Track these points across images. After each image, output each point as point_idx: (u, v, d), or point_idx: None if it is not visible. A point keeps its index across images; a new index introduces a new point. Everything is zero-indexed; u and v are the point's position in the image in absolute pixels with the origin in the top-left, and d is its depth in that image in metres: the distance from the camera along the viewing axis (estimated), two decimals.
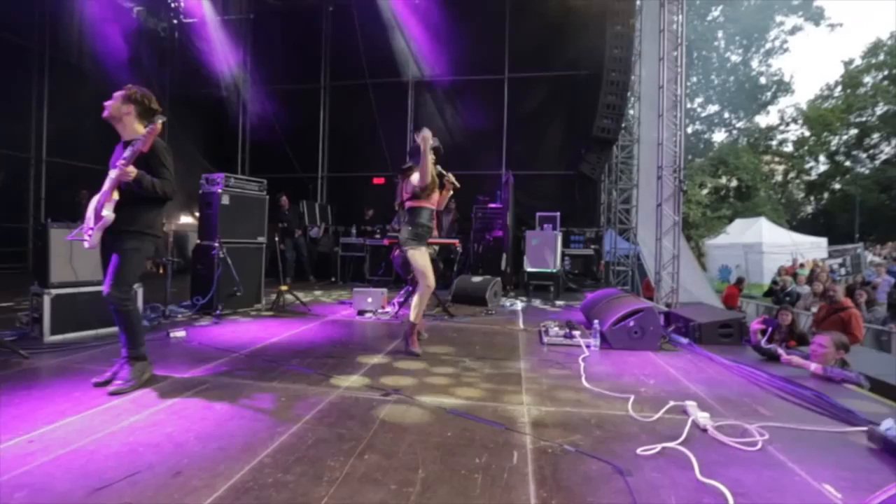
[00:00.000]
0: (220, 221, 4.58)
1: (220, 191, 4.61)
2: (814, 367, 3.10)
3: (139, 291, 3.88)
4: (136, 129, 2.51)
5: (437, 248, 5.37)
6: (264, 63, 10.00)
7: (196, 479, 1.57)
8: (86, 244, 2.48)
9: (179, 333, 3.65)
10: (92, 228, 2.44)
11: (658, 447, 1.87)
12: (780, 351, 3.38)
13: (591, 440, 1.96)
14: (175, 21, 10.69)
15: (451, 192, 3.59)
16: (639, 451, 1.84)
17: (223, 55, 10.02)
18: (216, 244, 4.53)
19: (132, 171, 2.34)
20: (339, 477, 1.60)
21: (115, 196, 2.39)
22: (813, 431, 2.13)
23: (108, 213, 2.38)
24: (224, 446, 1.81)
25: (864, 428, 2.09)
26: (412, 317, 3.37)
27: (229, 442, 1.85)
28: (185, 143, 9.54)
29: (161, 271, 8.54)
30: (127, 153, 2.38)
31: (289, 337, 3.80)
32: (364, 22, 9.43)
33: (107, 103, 2.50)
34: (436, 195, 3.48)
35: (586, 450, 1.85)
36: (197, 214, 9.09)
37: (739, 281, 11.60)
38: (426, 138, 3.19)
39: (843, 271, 14.25)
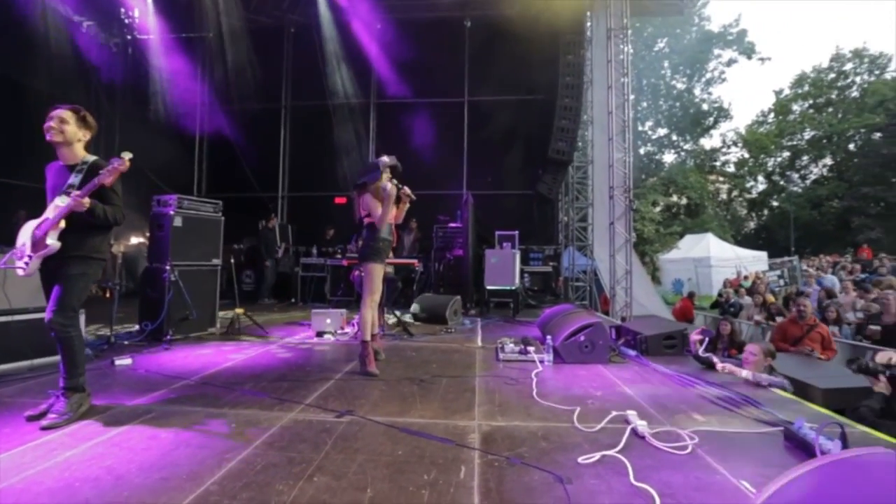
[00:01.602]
0: (172, 243, 4.46)
1: (172, 212, 4.50)
2: (745, 373, 3.36)
3: (82, 317, 3.72)
4: (81, 154, 2.45)
5: (393, 267, 5.45)
6: (223, 82, 9.88)
7: None
8: (20, 272, 2.38)
9: (125, 361, 3.50)
10: (30, 256, 2.35)
11: (598, 455, 1.98)
12: (716, 359, 3.63)
13: (537, 452, 2.05)
14: (129, 37, 10.43)
15: (408, 205, 3.66)
16: (580, 459, 1.95)
17: (179, 73, 9.83)
18: (167, 267, 4.39)
19: (88, 202, 2.29)
20: (286, 501, 1.61)
21: (62, 224, 2.33)
22: (738, 433, 2.32)
23: (52, 241, 2.31)
24: (168, 476, 1.77)
25: (781, 427, 2.30)
26: (362, 334, 3.41)
27: (174, 471, 1.81)
28: (137, 162, 9.17)
29: (107, 295, 8.11)
30: (74, 180, 2.32)
31: (243, 361, 3.72)
32: (325, 44, 9.58)
33: (62, 126, 2.35)
34: (394, 210, 3.56)
35: (531, 461, 1.94)
36: (143, 236, 8.80)
37: (691, 295, 12.23)
38: (391, 194, 3.39)
39: (781, 282, 15.31)
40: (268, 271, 7.98)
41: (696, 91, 27.01)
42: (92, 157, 2.46)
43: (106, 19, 10.05)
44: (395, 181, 3.52)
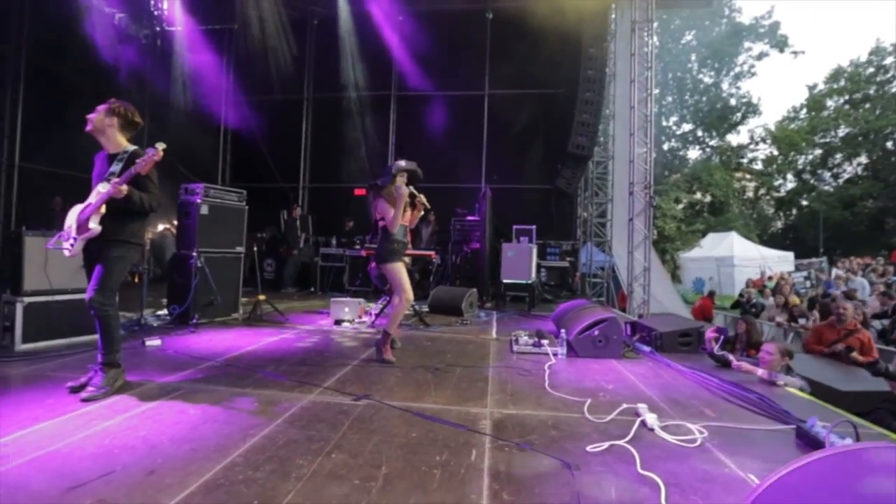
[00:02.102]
0: (199, 231, 4.63)
1: (199, 201, 4.66)
2: (760, 372, 3.33)
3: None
4: (119, 141, 2.60)
5: (410, 259, 5.54)
6: (248, 73, 10.09)
7: (169, 478, 1.65)
8: (66, 253, 2.56)
9: (155, 342, 3.69)
10: (75, 238, 2.52)
11: (606, 445, 2.03)
12: (732, 357, 3.61)
13: (546, 439, 2.11)
14: (158, 29, 10.70)
15: (423, 213, 3.78)
16: (588, 448, 2.00)
17: (205, 65, 10.07)
18: (194, 253, 4.57)
19: (125, 189, 2.43)
20: (306, 474, 1.71)
21: (103, 209, 2.48)
22: (749, 430, 2.33)
23: (94, 225, 2.47)
24: (197, 447, 1.90)
25: (794, 426, 2.30)
26: (389, 327, 3.50)
27: (202, 443, 1.93)
28: (168, 152, 9.48)
29: (136, 280, 8.46)
30: (115, 168, 2.47)
31: (264, 346, 3.86)
32: (346, 36, 9.68)
33: (89, 116, 2.58)
34: (407, 214, 3.66)
35: (540, 448, 2.00)
36: (175, 223, 9.12)
37: (711, 294, 12.03)
38: (403, 195, 3.45)
39: (808, 284, 14.88)
40: (290, 261, 8.18)
41: (724, 85, 26.23)
42: (133, 147, 2.60)
43: (136, 11, 10.30)
44: (411, 188, 3.58)
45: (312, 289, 8.11)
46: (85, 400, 2.36)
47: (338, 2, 9.60)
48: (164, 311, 4.69)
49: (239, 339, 4.08)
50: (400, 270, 3.52)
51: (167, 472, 1.70)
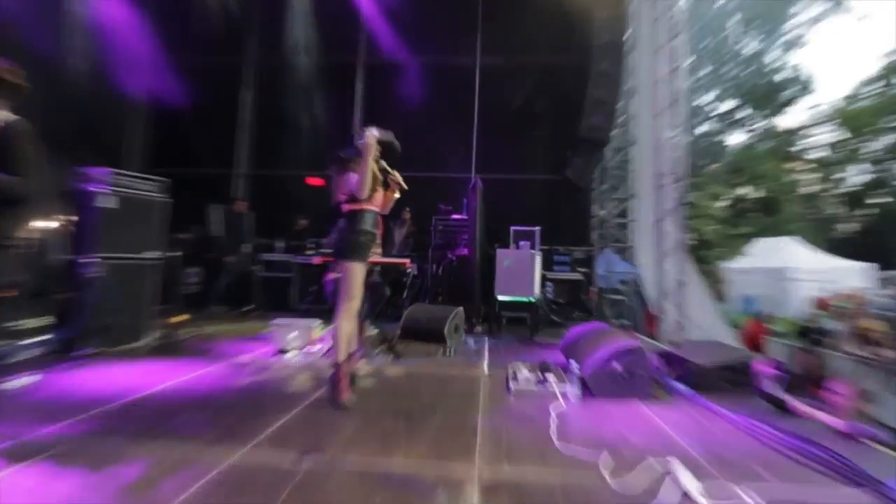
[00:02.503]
0: (99, 230, 4.55)
1: (102, 191, 4.59)
2: (835, 421, 3.31)
3: None
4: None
5: (378, 267, 5.46)
6: (168, 29, 9.91)
7: None
8: None
9: (27, 379, 3.55)
10: None
11: None
12: (793, 400, 3.59)
13: None
14: None
15: (398, 195, 3.72)
16: None
17: (114, 15, 9.88)
18: (90, 260, 4.47)
19: None
20: None
21: None
22: (819, 496, 2.30)
23: None
24: None
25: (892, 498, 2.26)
26: (337, 355, 3.39)
27: None
28: (53, 125, 9.27)
29: (6, 294, 8.14)
30: None
31: (181, 384, 3.76)
32: None
33: None
34: (379, 196, 3.61)
35: None
36: (66, 218, 8.86)
37: (763, 316, 12.12)
38: (370, 144, 3.41)
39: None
40: (225, 270, 7.98)
41: (773, 55, 26.82)
42: (12, 118, 2.49)
43: None
44: (383, 163, 3.56)
45: (249, 307, 7.96)
46: None
47: None
48: (44, 338, 4.50)
49: (146, 374, 3.95)
50: (358, 274, 3.45)
51: None
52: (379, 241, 3.76)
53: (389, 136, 3.55)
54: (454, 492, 2.18)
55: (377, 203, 3.60)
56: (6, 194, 2.41)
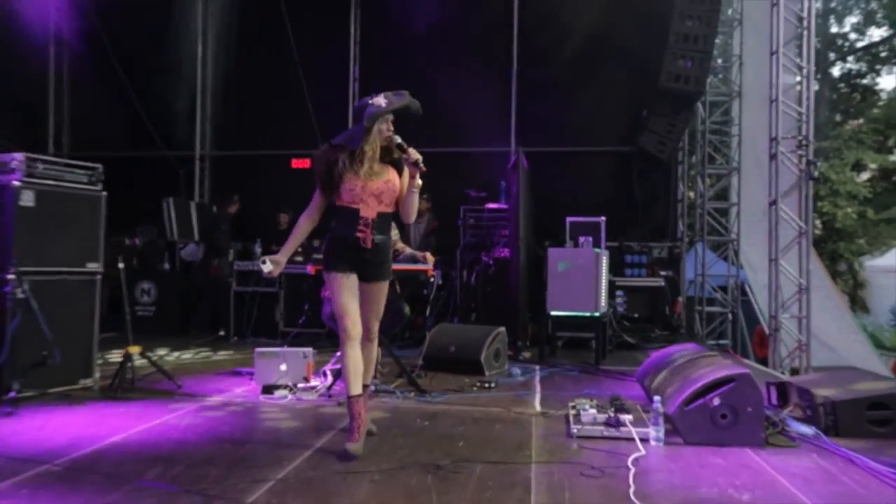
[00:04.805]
0: (20, 235, 4.65)
1: (16, 183, 4.67)
2: None
3: None
4: None
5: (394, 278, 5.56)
6: None
7: None
8: None
9: None
10: None
11: None
12: None
13: None
14: None
15: (420, 183, 3.57)
16: None
17: None
18: (10, 276, 4.57)
19: None
20: None
21: None
22: None
23: None
24: None
25: None
26: (347, 387, 3.48)
27: None
28: None
29: None
30: None
31: (141, 434, 3.87)
32: None
33: None
34: (368, 185, 3.53)
35: None
36: None
37: None
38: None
39: None
40: (213, 285, 8.28)
41: None
42: None
43: None
44: (398, 137, 3.49)
45: (222, 332, 8.17)
46: None
47: None
48: None
49: (96, 423, 4.09)
50: (334, 288, 3.54)
51: None
52: (391, 256, 3.72)
53: (402, 100, 3.52)
54: None
55: (365, 196, 3.48)
56: None
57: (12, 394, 4.46)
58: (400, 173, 3.59)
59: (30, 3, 9.83)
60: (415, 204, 3.63)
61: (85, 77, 10.57)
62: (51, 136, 10.74)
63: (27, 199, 4.74)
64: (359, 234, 3.44)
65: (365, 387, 3.59)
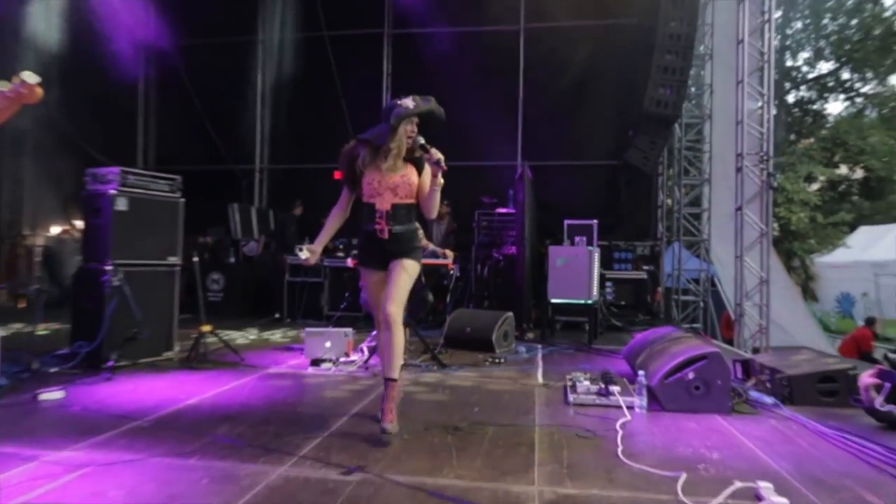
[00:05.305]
0: (115, 235, 4.77)
1: (113, 192, 4.79)
2: None
3: None
4: None
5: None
6: (178, 8, 10.28)
7: None
8: None
9: (55, 394, 3.80)
10: None
11: None
12: None
13: None
14: None
15: (442, 182, 3.26)
16: None
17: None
18: (108, 267, 4.70)
19: None
20: None
21: None
22: None
23: None
24: None
25: None
26: (388, 371, 3.26)
27: None
28: (60, 122, 9.88)
29: (20, 304, 8.68)
30: None
31: (212, 397, 3.96)
32: None
33: None
34: (385, 180, 3.27)
35: None
36: (78, 223, 9.36)
37: (871, 321, 11.65)
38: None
39: None
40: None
41: (888, 0, 25.49)
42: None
43: None
44: (421, 138, 3.23)
45: (277, 315, 8.24)
46: None
47: None
48: (68, 350, 4.81)
49: (176, 387, 4.19)
50: (364, 280, 3.42)
51: None
52: (416, 243, 3.36)
53: (428, 104, 3.28)
54: None
55: (382, 190, 3.22)
56: None
57: (110, 363, 4.61)
58: (419, 171, 3.30)
59: (125, 46, 10.18)
60: (436, 201, 3.28)
61: (167, 105, 10.83)
62: (139, 153, 10.92)
63: (121, 204, 4.86)
64: (376, 227, 3.19)
65: (390, 381, 3.23)
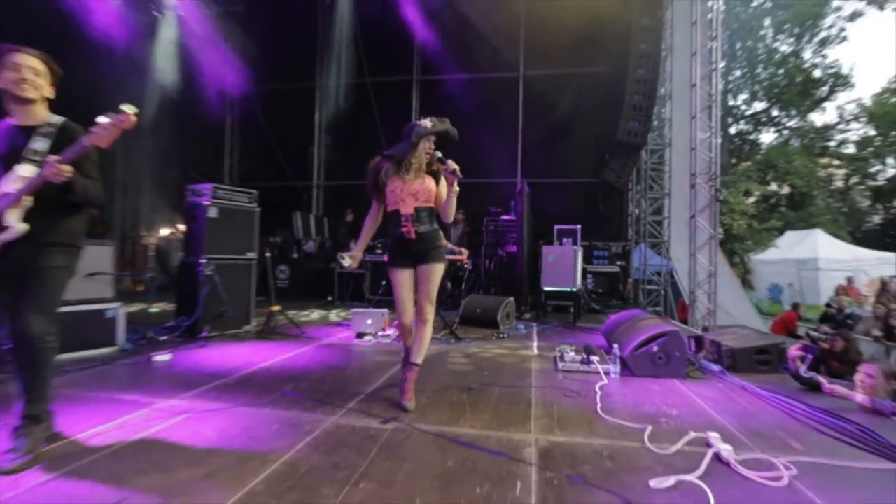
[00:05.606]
0: (208, 236, 4.82)
1: (206, 202, 4.85)
2: (860, 398, 3.18)
3: (121, 313, 4.15)
4: (44, 113, 2.18)
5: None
6: (253, 60, 10.37)
7: None
8: None
9: (164, 357, 3.88)
10: None
11: (672, 480, 1.99)
12: (823, 380, 3.46)
13: (601, 472, 2.09)
14: (157, 15, 11.14)
15: (457, 189, 2.87)
16: (651, 483, 1.97)
17: (209, 51, 10.44)
18: (202, 260, 4.76)
19: (69, 171, 1.99)
20: None
21: (27, 202, 2.05)
22: (849, 468, 2.23)
23: (17, 223, 2.04)
24: (214, 472, 1.98)
25: None
26: (416, 357, 2.93)
27: (219, 469, 2.01)
28: (168, 148, 10.05)
29: (139, 288, 8.87)
30: (39, 145, 2.07)
31: (281, 361, 3.98)
32: (363, 14, 9.86)
33: (37, 80, 2.12)
34: (422, 185, 2.95)
35: (595, 481, 1.98)
36: (181, 227, 9.53)
37: (796, 306, 11.45)
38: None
39: None
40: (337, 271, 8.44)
41: (807, 54, 25.11)
42: (59, 119, 2.19)
43: None
44: (438, 153, 2.92)
45: (330, 298, 8.30)
46: (4, 473, 1.91)
47: None
48: (173, 323, 4.88)
49: (253, 353, 4.22)
50: (391, 282, 2.96)
51: (183, 500, 1.77)
52: (438, 243, 2.99)
53: (444, 124, 2.99)
54: (515, 452, 2.26)
55: (404, 196, 2.90)
56: (83, 198, 2.14)
57: (204, 334, 4.70)
58: (437, 181, 2.96)
59: (216, 92, 10.31)
60: (453, 206, 2.91)
61: (247, 136, 10.97)
62: (226, 172, 11.05)
63: (213, 212, 4.92)
64: (403, 229, 2.87)
65: (413, 365, 2.93)
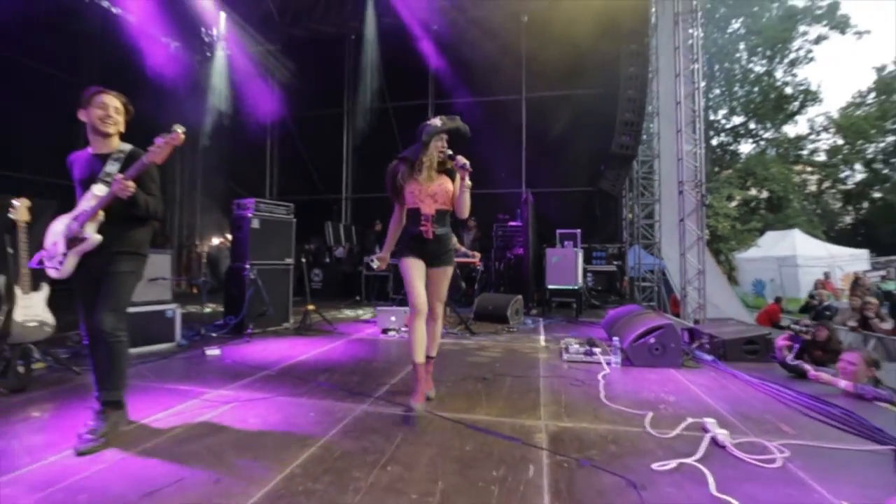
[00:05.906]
0: (251, 244, 4.83)
1: (250, 215, 4.87)
2: (843, 384, 3.04)
3: (178, 312, 4.18)
4: (117, 143, 2.28)
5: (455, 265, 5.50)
6: (289, 90, 10.53)
7: (235, 486, 1.70)
8: (53, 273, 2.18)
9: (214, 351, 3.88)
10: (65, 254, 2.15)
11: (674, 463, 1.91)
12: (808, 367, 3.32)
13: (607, 455, 2.01)
14: (208, 54, 11.38)
15: (469, 185, 2.63)
16: (654, 466, 1.89)
17: (252, 84, 10.61)
18: (247, 266, 4.78)
19: (133, 186, 2.07)
20: (363, 487, 1.71)
21: (101, 216, 2.14)
22: (837, 449, 2.12)
23: (93, 234, 2.13)
24: (258, 456, 1.95)
25: (893, 446, 2.07)
26: (412, 356, 2.61)
27: (263, 452, 1.99)
28: (217, 167, 10.23)
29: (194, 291, 9.00)
30: (111, 168, 2.15)
31: (316, 355, 3.96)
32: (384, 48, 9.92)
33: (118, 117, 2.23)
34: (437, 186, 2.68)
35: (601, 464, 1.91)
36: (229, 236, 9.64)
37: (779, 300, 11.16)
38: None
39: (893, 285, 13.60)
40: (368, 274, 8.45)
41: (778, 74, 24.58)
42: (128, 146, 2.26)
43: (189, 38, 10.99)
44: (450, 151, 2.68)
45: (358, 298, 8.29)
46: (81, 453, 1.94)
47: (372, 18, 9.90)
48: (221, 321, 4.90)
49: (291, 348, 4.20)
50: (403, 272, 2.65)
51: (232, 480, 1.75)
52: (451, 245, 2.75)
53: (454, 122, 2.71)
54: (528, 437, 2.19)
55: (423, 197, 2.65)
56: (145, 212, 2.20)
57: (249, 331, 4.67)
58: (452, 180, 2.68)
59: (258, 117, 10.45)
60: (467, 201, 2.64)
61: (284, 155, 11.01)
62: (267, 187, 11.14)
63: (255, 223, 4.92)
64: (422, 228, 2.61)
65: (429, 358, 2.71)
